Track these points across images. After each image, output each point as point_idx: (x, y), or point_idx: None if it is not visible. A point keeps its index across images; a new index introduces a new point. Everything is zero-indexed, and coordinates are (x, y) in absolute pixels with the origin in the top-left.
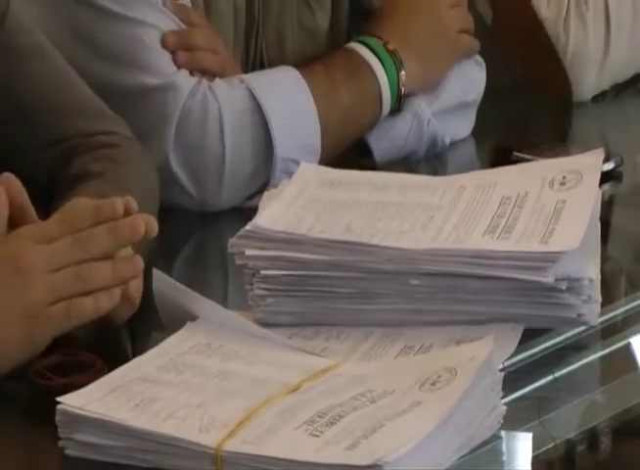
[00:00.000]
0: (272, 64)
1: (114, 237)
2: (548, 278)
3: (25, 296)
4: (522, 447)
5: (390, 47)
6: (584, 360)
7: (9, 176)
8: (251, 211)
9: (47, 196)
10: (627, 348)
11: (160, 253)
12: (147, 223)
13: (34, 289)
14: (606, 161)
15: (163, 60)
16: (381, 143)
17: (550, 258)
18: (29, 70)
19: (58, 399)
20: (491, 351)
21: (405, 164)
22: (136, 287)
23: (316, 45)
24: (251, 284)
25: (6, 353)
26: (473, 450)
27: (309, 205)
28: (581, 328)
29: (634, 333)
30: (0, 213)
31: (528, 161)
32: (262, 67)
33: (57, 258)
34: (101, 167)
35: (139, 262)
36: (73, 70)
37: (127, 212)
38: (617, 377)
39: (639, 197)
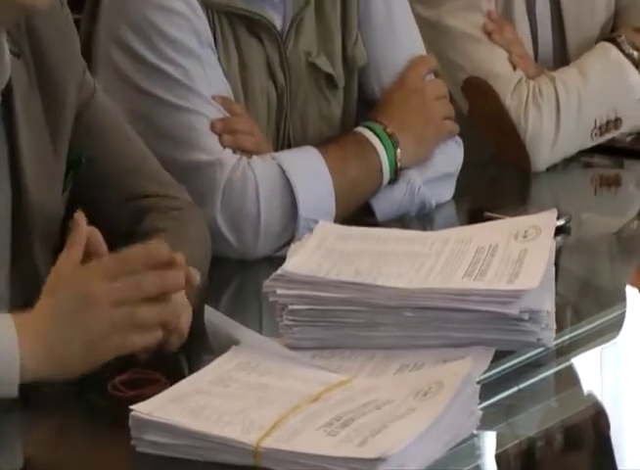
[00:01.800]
0: (297, 143)
1: (162, 283)
2: (514, 310)
3: (90, 327)
4: (493, 443)
5: (389, 130)
6: (542, 375)
7: (93, 230)
8: (281, 260)
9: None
10: (574, 366)
11: (209, 291)
12: (190, 275)
13: (97, 323)
14: (558, 218)
15: (212, 141)
16: (381, 205)
17: (516, 295)
18: (112, 143)
19: (130, 407)
20: (470, 368)
21: (401, 221)
22: (185, 322)
23: (331, 129)
24: (281, 316)
25: (68, 369)
26: (456, 445)
27: (326, 254)
28: (540, 349)
29: (579, 353)
30: (80, 238)
31: (497, 219)
32: (289, 146)
33: (118, 295)
34: (166, 225)
35: (181, 307)
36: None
37: (175, 264)
38: (567, 388)
39: (584, 246)
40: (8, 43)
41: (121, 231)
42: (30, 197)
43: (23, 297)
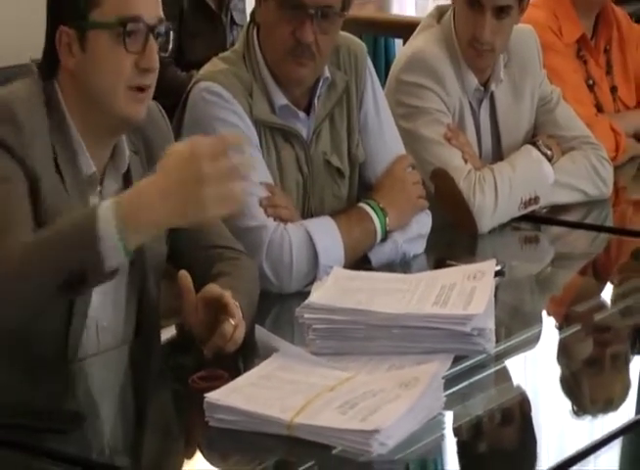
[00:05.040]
0: (317, 214)
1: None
2: (467, 328)
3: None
4: (452, 420)
5: (381, 206)
6: (485, 373)
7: (185, 273)
8: (307, 294)
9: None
10: (507, 367)
11: (258, 315)
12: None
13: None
14: (496, 265)
15: (260, 213)
16: (375, 256)
17: (468, 318)
18: None
19: (205, 395)
20: (437, 368)
21: (389, 267)
22: (239, 334)
23: (340, 204)
24: (307, 332)
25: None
26: (427, 421)
27: (339, 290)
28: (484, 355)
29: (510, 358)
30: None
31: (455, 265)
32: (311, 216)
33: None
34: (229, 269)
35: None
36: None
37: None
38: (502, 382)
39: (514, 285)
40: (128, 144)
41: (197, 272)
42: (146, 244)
43: (136, 311)
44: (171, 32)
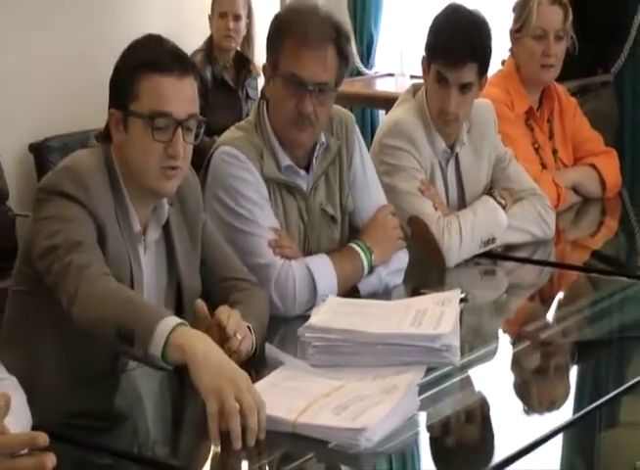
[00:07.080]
0: (314, 253)
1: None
2: (437, 345)
3: None
4: (425, 419)
5: (368, 245)
6: (452, 381)
7: (201, 301)
8: (307, 317)
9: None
10: (470, 376)
11: (268, 335)
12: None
13: None
14: (461, 293)
15: (269, 253)
16: (363, 287)
17: (438, 336)
18: (214, 248)
19: None
20: (413, 377)
21: (374, 296)
22: (245, 345)
23: (333, 245)
24: (308, 349)
25: None
26: (405, 421)
27: (333, 314)
28: (451, 367)
29: (473, 368)
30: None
31: (427, 293)
32: (311, 254)
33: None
34: (243, 299)
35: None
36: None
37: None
38: (466, 388)
39: (475, 309)
40: (167, 198)
41: (215, 300)
42: (183, 278)
43: None
44: (203, 125)
